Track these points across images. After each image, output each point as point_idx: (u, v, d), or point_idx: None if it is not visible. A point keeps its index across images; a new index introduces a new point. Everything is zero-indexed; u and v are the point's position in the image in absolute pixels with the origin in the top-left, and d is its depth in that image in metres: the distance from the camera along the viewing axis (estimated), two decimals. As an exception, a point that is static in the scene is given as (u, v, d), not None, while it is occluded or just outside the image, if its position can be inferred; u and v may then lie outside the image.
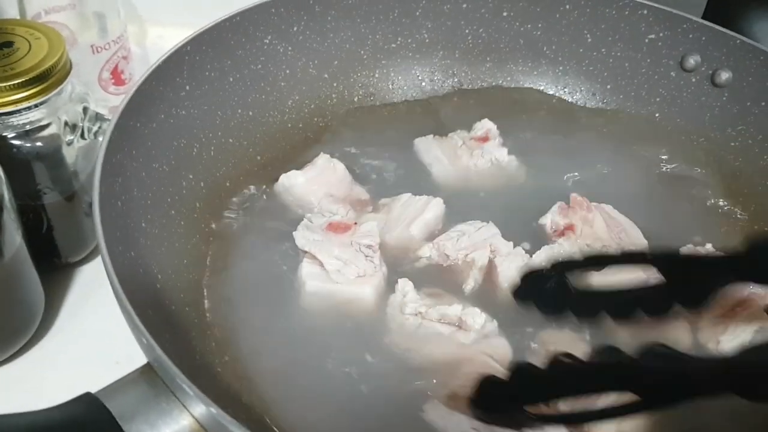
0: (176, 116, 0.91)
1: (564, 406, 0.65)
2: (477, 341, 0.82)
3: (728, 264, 0.79)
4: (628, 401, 0.58)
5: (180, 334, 0.76)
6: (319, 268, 0.86)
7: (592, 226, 0.94)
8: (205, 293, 0.84)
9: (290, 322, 0.83)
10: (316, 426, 0.74)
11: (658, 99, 1.14)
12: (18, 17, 1.08)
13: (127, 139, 0.80)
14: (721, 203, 1.03)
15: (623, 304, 0.76)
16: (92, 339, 0.94)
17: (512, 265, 0.88)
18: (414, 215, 0.94)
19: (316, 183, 0.98)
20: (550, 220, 0.95)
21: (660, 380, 0.57)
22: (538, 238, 0.94)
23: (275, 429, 0.73)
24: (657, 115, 1.14)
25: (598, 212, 0.96)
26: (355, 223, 0.91)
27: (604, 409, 0.60)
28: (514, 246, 0.91)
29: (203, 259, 0.88)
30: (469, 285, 0.88)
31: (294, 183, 0.98)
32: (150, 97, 0.86)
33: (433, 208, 0.95)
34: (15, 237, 0.83)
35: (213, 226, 0.92)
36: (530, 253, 0.90)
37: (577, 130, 1.14)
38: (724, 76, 1.07)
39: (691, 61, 1.09)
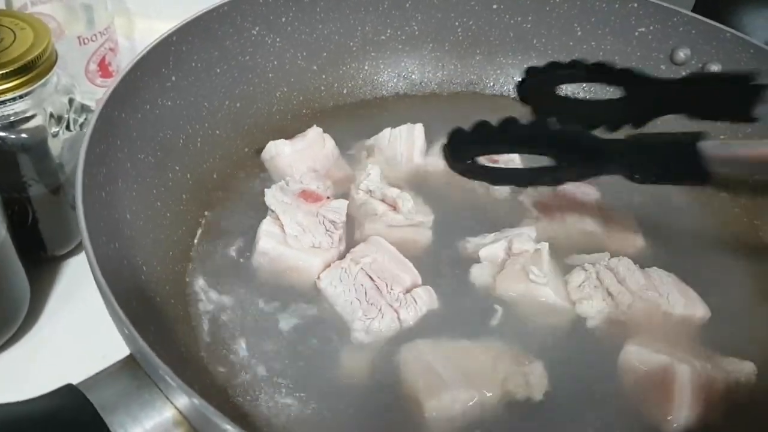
0: (162, 107, 0.90)
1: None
2: (404, 226, 0.90)
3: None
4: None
5: (165, 326, 0.75)
6: (278, 230, 0.86)
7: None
8: (191, 284, 0.84)
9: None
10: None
11: (648, 92, 1.13)
12: (4, 8, 1.07)
13: (111, 129, 0.79)
14: (709, 190, 1.04)
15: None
16: (78, 332, 0.93)
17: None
18: (409, 147, 1.01)
19: (302, 156, 0.99)
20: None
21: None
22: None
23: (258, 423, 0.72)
24: (647, 108, 1.14)
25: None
26: (328, 197, 0.91)
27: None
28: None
29: (189, 251, 0.87)
30: None
31: (279, 152, 0.98)
32: (135, 87, 0.85)
33: (419, 134, 1.03)
34: (0, 230, 0.82)
35: (199, 218, 0.91)
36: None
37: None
38: (714, 69, 1.06)
39: (681, 54, 1.09)
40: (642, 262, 0.90)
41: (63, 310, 0.97)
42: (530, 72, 0.90)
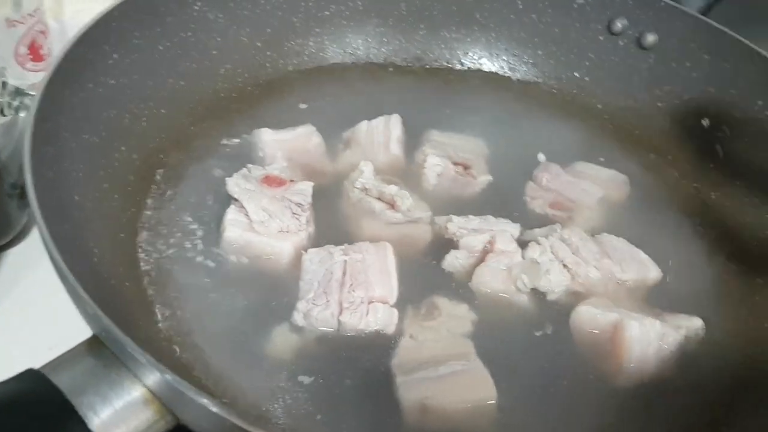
0: (105, 85, 0.87)
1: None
2: (403, 223, 0.90)
3: None
4: None
5: (123, 308, 0.73)
6: (244, 217, 0.85)
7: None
8: (143, 267, 0.81)
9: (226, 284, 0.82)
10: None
11: (587, 63, 1.16)
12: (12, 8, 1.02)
13: (55, 108, 0.76)
14: (652, 157, 1.08)
15: None
16: (21, 325, 0.89)
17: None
18: (386, 138, 1.01)
19: (282, 145, 0.98)
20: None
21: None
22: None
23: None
24: (587, 78, 1.17)
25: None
26: (292, 180, 0.90)
27: None
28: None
29: (139, 233, 0.85)
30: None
31: (260, 138, 0.98)
32: (78, 65, 0.81)
33: (396, 124, 1.03)
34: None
35: (148, 199, 0.89)
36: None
37: (514, 102, 1.16)
38: (650, 38, 1.10)
39: (618, 24, 1.12)
40: (594, 229, 0.93)
41: (3, 303, 0.92)
42: None
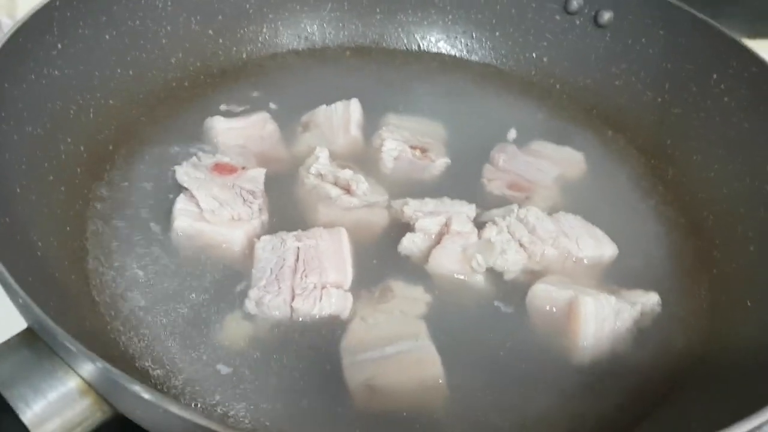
0: (49, 76, 0.85)
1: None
2: (360, 208, 0.89)
3: None
4: None
5: (68, 302, 0.72)
6: (194, 206, 0.84)
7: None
8: (90, 260, 0.80)
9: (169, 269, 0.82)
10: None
11: (545, 44, 1.16)
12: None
13: (-7, 99, 0.75)
14: (610, 134, 1.08)
15: None
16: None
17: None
18: (345, 120, 1.01)
19: (236, 133, 0.97)
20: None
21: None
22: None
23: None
24: (545, 59, 1.16)
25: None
26: (243, 168, 0.89)
27: None
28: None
29: (86, 226, 0.83)
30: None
31: (213, 126, 0.97)
32: (18, 56, 0.80)
33: (356, 108, 1.02)
34: None
35: (96, 191, 0.87)
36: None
37: (473, 84, 1.16)
38: (606, 16, 1.09)
39: (574, 3, 1.12)
40: (551, 208, 0.93)
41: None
42: None
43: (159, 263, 0.81)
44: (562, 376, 0.78)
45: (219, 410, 0.69)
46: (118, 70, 0.97)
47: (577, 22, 1.13)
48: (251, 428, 0.68)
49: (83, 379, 0.55)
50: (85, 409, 0.55)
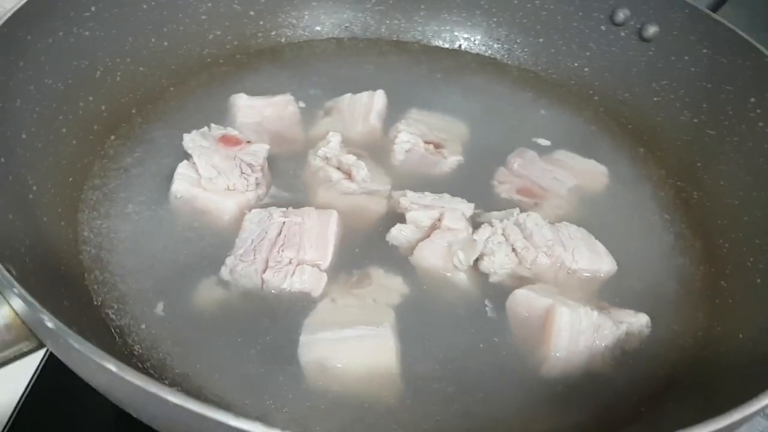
0: (78, 36, 0.90)
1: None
2: (358, 194, 0.89)
3: None
4: None
5: (48, 245, 0.75)
6: (194, 173, 0.86)
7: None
8: (85, 210, 0.84)
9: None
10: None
11: (587, 53, 1.12)
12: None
13: (11, 47, 0.79)
14: (641, 151, 1.04)
15: None
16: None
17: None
18: (366, 109, 1.01)
19: (255, 111, 0.99)
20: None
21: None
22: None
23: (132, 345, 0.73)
24: (586, 70, 1.13)
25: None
26: (249, 142, 0.90)
27: None
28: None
29: (93, 181, 0.87)
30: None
31: (235, 103, 0.99)
32: (46, 11, 0.84)
33: (380, 99, 1.02)
34: None
35: (109, 150, 0.91)
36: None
37: (508, 88, 1.13)
38: (651, 30, 1.05)
39: (621, 14, 1.08)
40: (561, 217, 0.90)
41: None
42: None
43: (151, 222, 0.84)
44: (527, 386, 0.74)
45: (154, 361, 0.71)
46: (153, 40, 1.01)
47: (622, 34, 1.08)
48: (183, 386, 0.70)
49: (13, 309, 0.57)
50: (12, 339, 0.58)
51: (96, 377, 0.55)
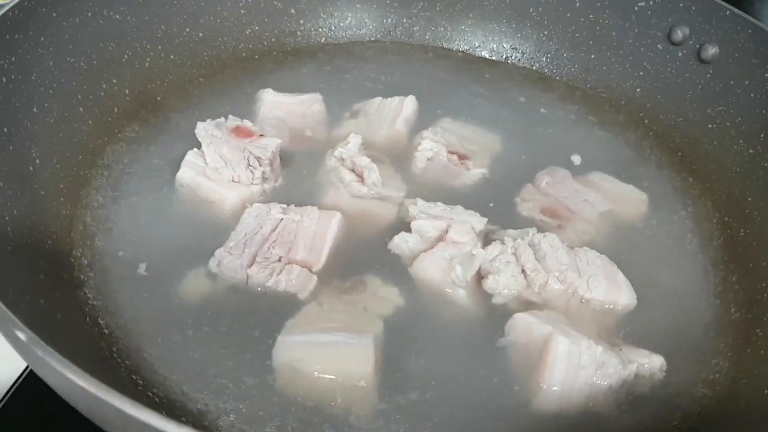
0: (108, 18, 0.90)
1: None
2: (369, 198, 0.85)
3: None
4: None
5: (37, 217, 0.74)
6: (202, 161, 0.84)
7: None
8: (92, 192, 0.83)
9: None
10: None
11: (641, 73, 1.05)
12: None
13: (33, 23, 0.80)
14: (689, 181, 0.96)
15: None
16: None
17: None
18: (394, 114, 0.98)
19: (280, 107, 0.97)
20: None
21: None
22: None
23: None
24: (638, 90, 1.05)
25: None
26: (261, 135, 0.88)
27: None
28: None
29: (102, 161, 0.87)
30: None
31: (261, 98, 0.97)
32: (74, -9, 0.85)
33: (410, 104, 0.99)
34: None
35: (127, 133, 0.91)
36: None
37: (552, 104, 1.07)
38: (711, 51, 0.96)
39: (679, 33, 1.00)
40: (587, 242, 0.83)
41: None
42: None
43: (153, 208, 0.83)
44: (514, 418, 0.68)
45: (120, 345, 0.69)
46: (187, 30, 1.00)
47: (680, 54, 1.00)
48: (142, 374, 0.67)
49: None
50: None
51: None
